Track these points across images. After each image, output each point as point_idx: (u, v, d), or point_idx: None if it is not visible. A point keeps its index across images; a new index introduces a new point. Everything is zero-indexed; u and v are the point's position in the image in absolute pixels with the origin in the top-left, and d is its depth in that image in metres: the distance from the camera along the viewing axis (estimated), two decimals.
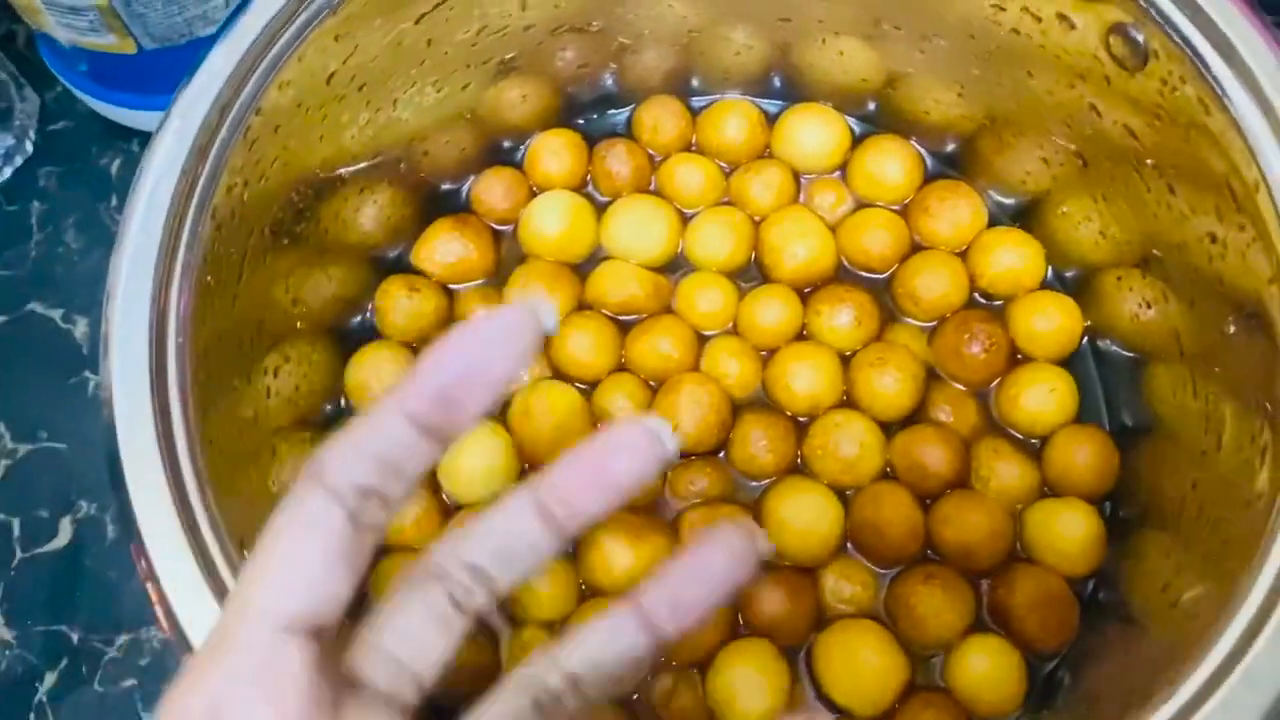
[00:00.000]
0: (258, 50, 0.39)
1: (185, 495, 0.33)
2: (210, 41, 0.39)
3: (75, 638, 0.51)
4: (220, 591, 0.32)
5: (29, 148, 0.61)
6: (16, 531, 0.53)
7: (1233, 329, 0.38)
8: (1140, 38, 0.39)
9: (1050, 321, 0.49)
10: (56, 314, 0.57)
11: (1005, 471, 0.47)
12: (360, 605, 0.43)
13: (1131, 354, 0.47)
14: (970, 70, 0.48)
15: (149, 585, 0.32)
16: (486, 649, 0.44)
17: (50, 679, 0.50)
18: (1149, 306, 0.45)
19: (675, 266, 0.52)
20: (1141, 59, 0.39)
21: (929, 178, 0.53)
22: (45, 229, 0.59)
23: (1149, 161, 0.42)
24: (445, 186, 0.53)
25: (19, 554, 0.52)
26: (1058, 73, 0.44)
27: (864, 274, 0.52)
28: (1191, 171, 0.39)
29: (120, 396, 0.33)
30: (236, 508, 0.35)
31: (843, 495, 0.47)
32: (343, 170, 0.45)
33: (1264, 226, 0.35)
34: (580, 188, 0.54)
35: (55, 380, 0.56)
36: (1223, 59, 0.36)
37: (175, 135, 0.37)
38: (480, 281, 0.52)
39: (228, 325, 0.39)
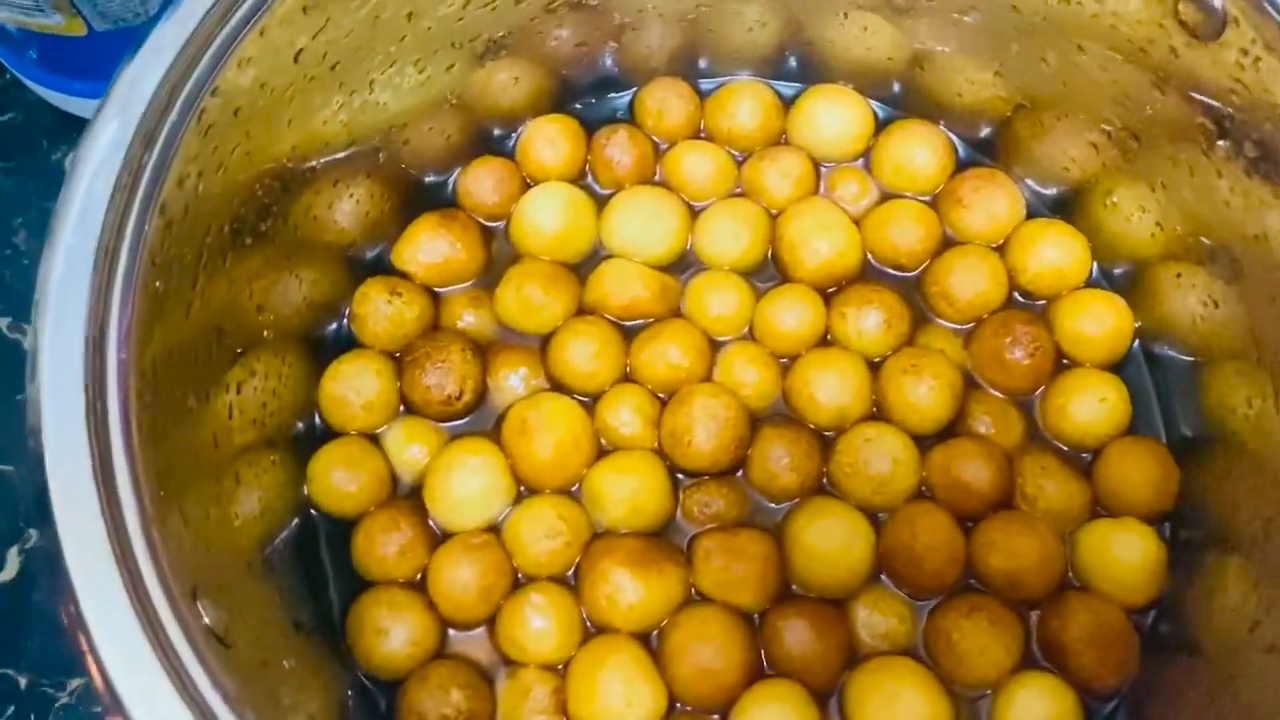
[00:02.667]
0: (213, 23, 0.34)
1: (125, 536, 0.28)
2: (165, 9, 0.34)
3: (23, 682, 0.46)
4: (164, 648, 0.27)
5: None
6: None
7: None
8: (1217, 2, 0.34)
9: (1099, 323, 0.45)
10: (3, 322, 0.53)
11: (1053, 490, 0.42)
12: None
13: (1191, 358, 0.43)
14: (1010, 46, 0.44)
15: (79, 636, 0.27)
16: (483, 695, 0.40)
17: None
18: (1216, 305, 0.40)
19: (684, 265, 0.48)
20: (1218, 26, 0.35)
21: (961, 166, 0.49)
22: None
23: (1222, 144, 0.37)
24: (429, 179, 0.49)
25: None
26: (1115, 46, 0.39)
27: (892, 272, 0.48)
28: (1275, 155, 0.35)
29: (50, 421, 0.29)
30: (188, 547, 0.30)
31: (874, 518, 0.43)
32: (314, 161, 0.41)
33: None
34: (578, 179, 0.50)
35: (1, 396, 0.51)
36: None
37: (117, 119, 0.32)
38: (468, 284, 0.48)
39: (181, 337, 0.34)
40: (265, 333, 0.40)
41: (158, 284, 0.32)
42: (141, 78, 0.33)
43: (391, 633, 0.40)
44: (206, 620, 0.29)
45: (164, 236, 0.33)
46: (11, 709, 0.46)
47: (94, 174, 0.32)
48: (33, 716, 0.46)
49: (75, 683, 0.46)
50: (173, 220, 0.33)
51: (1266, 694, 0.32)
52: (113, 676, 0.27)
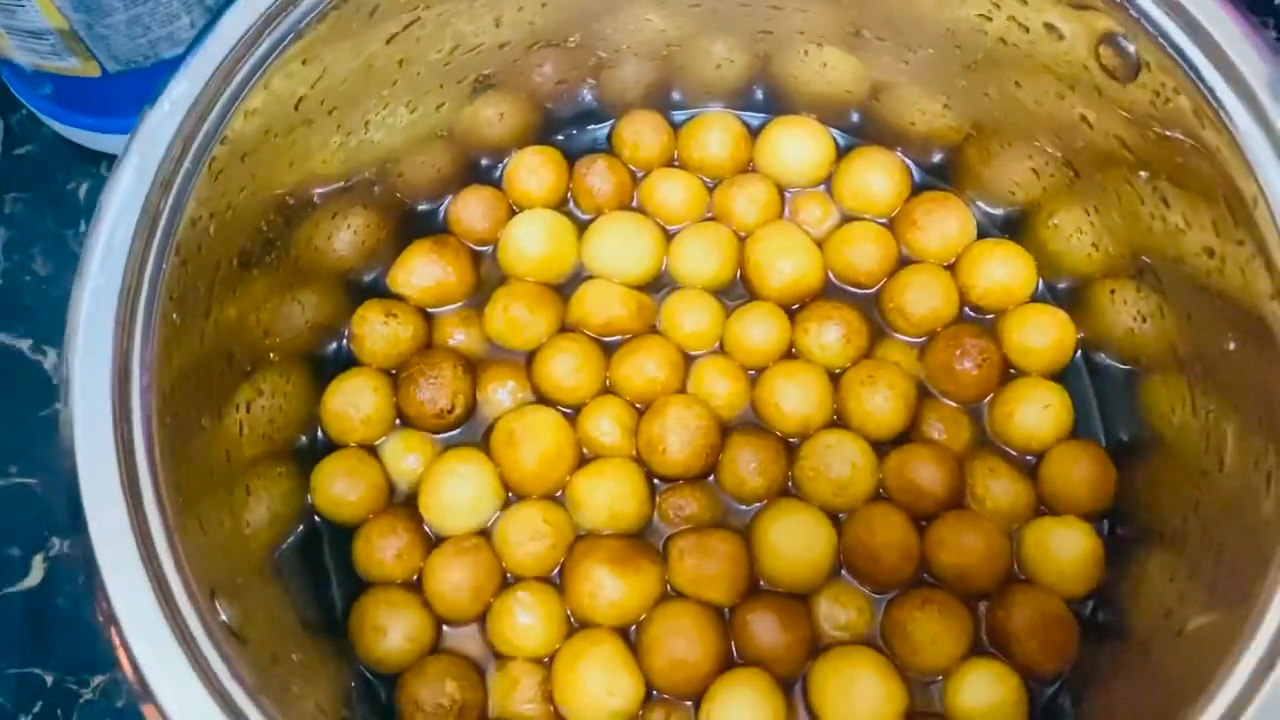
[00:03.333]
0: (221, 78, 0.37)
1: (150, 542, 0.32)
2: (176, 64, 0.37)
3: (49, 680, 0.49)
4: (188, 642, 0.30)
5: None
6: None
7: (1233, 345, 0.37)
8: (1131, 48, 0.38)
9: (1043, 335, 0.48)
10: (25, 344, 0.56)
11: (1000, 490, 0.46)
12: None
13: (1127, 367, 0.46)
14: (956, 81, 0.47)
15: (111, 630, 0.31)
16: (476, 686, 0.43)
17: None
18: (1144, 320, 0.44)
19: (659, 285, 0.51)
20: (1133, 70, 0.38)
21: (916, 189, 0.52)
22: (12, 257, 0.58)
23: (1142, 173, 0.41)
24: (422, 207, 0.52)
25: None
26: (1046, 83, 0.42)
27: (852, 289, 0.51)
28: (1187, 184, 0.38)
29: (82, 439, 0.32)
30: (206, 552, 0.34)
31: (835, 518, 0.46)
32: (314, 196, 0.44)
33: (1263, 242, 0.34)
34: (561, 205, 0.53)
35: (25, 412, 0.54)
36: (1217, 70, 0.35)
37: (136, 170, 0.36)
38: (459, 304, 0.51)
39: (195, 362, 0.37)
40: (271, 354, 0.43)
41: (175, 316, 0.36)
42: (158, 130, 0.36)
43: (390, 630, 0.43)
44: (224, 617, 0.32)
45: (179, 274, 0.36)
46: (39, 705, 0.49)
47: (115, 220, 0.35)
48: (59, 712, 0.49)
49: (98, 679, 0.49)
50: (187, 258, 0.36)
51: (1178, 673, 0.35)
52: (143, 667, 0.30)
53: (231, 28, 0.37)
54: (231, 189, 0.38)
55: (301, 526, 0.45)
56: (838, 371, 0.48)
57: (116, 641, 0.30)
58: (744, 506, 0.47)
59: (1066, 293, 0.49)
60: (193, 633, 0.31)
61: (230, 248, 0.39)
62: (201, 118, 0.37)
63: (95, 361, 0.33)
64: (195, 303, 0.37)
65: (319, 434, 0.48)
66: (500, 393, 0.49)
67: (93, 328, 0.34)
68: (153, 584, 0.31)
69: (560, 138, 0.54)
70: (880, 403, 0.46)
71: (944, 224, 0.50)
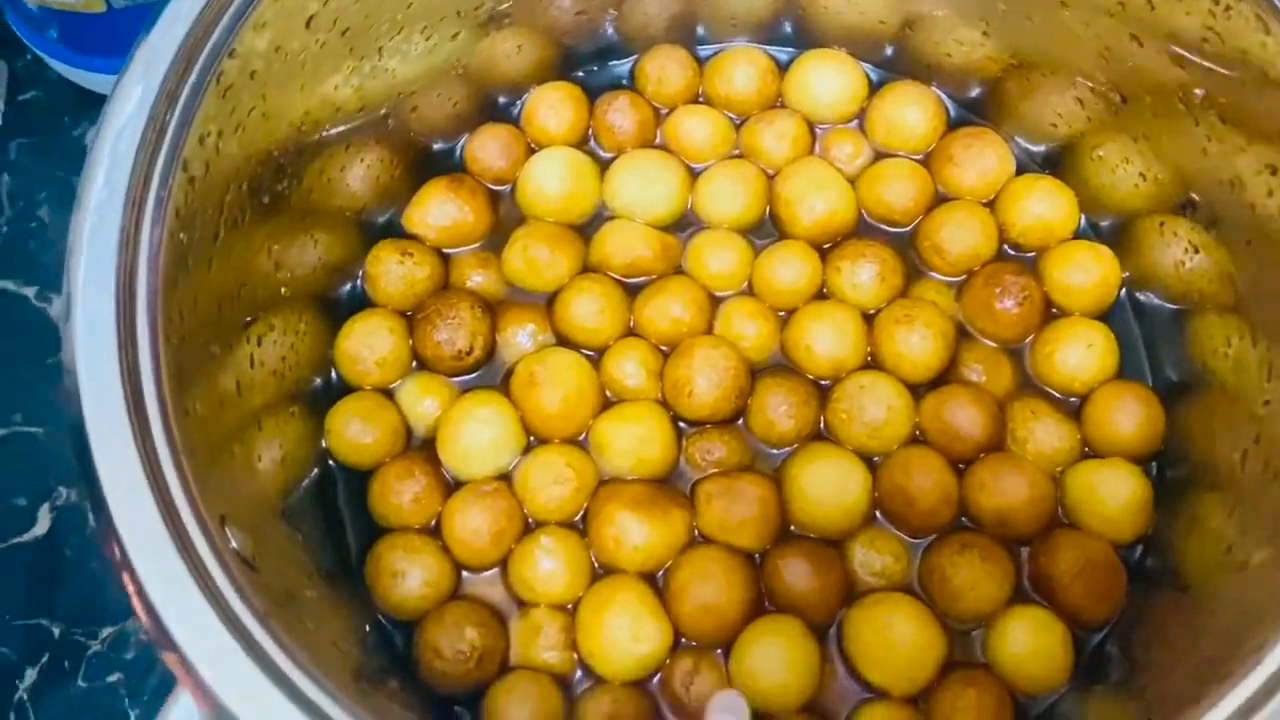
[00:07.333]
0: None
1: (158, 467, 0.30)
2: None
3: (56, 632, 0.48)
4: (196, 566, 0.28)
5: None
6: None
7: None
8: None
9: (1086, 273, 0.46)
10: (30, 292, 0.55)
11: (1043, 432, 0.44)
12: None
13: (1175, 306, 0.44)
14: (997, 5, 0.45)
15: (124, 575, 0.29)
16: (497, 633, 0.41)
17: (31, 675, 0.47)
18: (1196, 251, 0.42)
19: (684, 225, 0.49)
20: None
21: (951, 126, 0.50)
22: (16, 204, 0.56)
23: (1198, 91, 0.39)
24: (437, 146, 0.51)
25: None
26: (1094, 1, 0.40)
27: (886, 228, 0.49)
28: (1245, 99, 0.36)
29: (84, 359, 0.30)
30: (215, 483, 0.32)
31: (869, 463, 0.44)
32: (327, 125, 0.42)
33: None
34: (581, 144, 0.51)
35: (30, 362, 0.52)
36: None
37: (140, 81, 0.34)
38: (476, 245, 0.49)
39: (204, 288, 0.36)
40: (283, 289, 0.42)
41: (182, 236, 0.34)
42: (162, 41, 0.35)
43: (408, 574, 0.42)
44: (235, 545, 0.31)
45: (187, 190, 0.34)
46: (46, 657, 0.47)
47: (119, 132, 0.33)
48: (66, 664, 0.47)
49: (107, 631, 0.48)
50: (195, 176, 0.35)
51: (1236, 613, 0.33)
52: (155, 601, 0.28)
53: None
54: (241, 107, 0.37)
55: (316, 470, 0.44)
56: (872, 312, 0.46)
57: (116, 555, 0.28)
58: (774, 451, 0.45)
59: (1111, 230, 0.47)
60: (201, 557, 0.29)
61: (241, 171, 0.38)
62: (209, 28, 0.35)
63: (98, 276, 0.31)
64: (204, 224, 0.36)
65: (334, 377, 0.46)
66: (520, 336, 0.47)
67: (96, 241, 0.32)
68: (159, 505, 0.29)
69: (581, 74, 0.53)
70: (917, 342, 0.44)
71: (982, 159, 0.48)
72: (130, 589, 0.29)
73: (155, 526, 0.29)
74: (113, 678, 0.47)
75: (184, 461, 0.30)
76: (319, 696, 0.28)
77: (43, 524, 0.50)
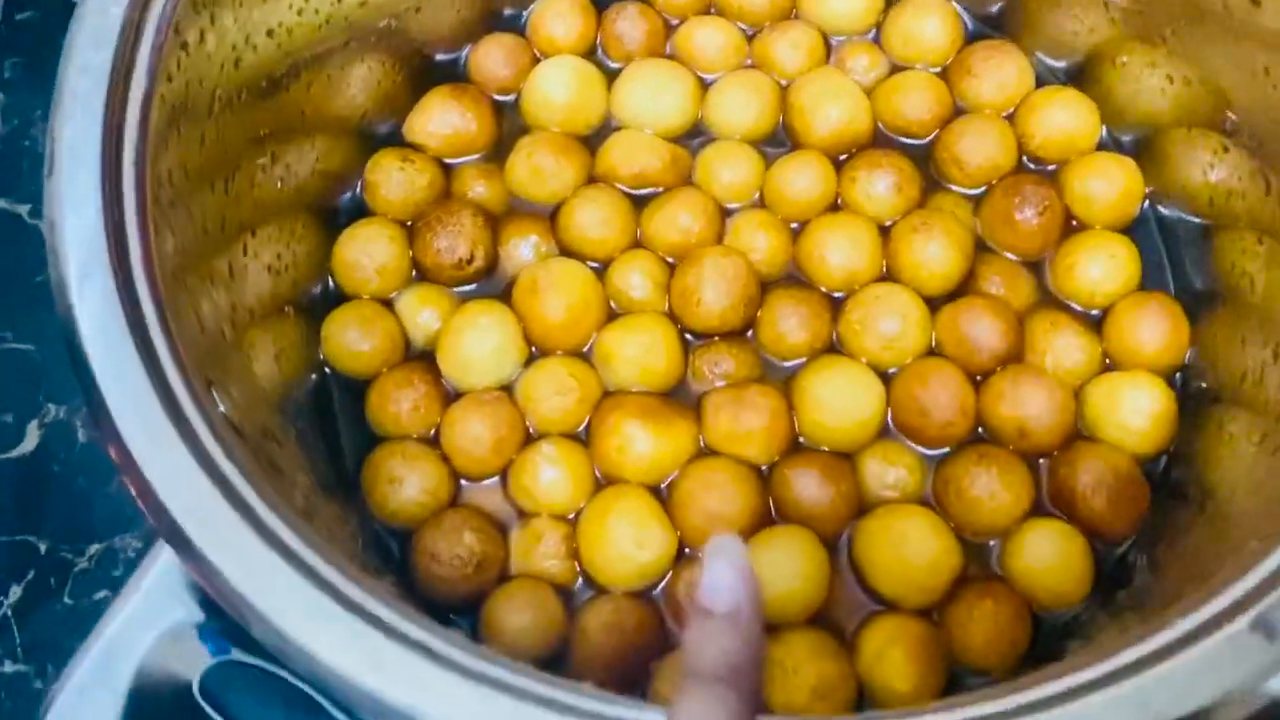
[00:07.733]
0: None
1: (144, 327, 0.28)
2: None
3: (43, 548, 0.47)
4: (180, 424, 0.27)
5: None
6: None
7: None
8: None
9: (1109, 182, 0.44)
10: (23, 209, 0.54)
11: (1063, 345, 0.42)
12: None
13: (1200, 219, 0.43)
14: None
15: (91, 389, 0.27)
16: (496, 540, 0.40)
17: (16, 592, 0.46)
18: (1226, 151, 0.40)
19: (694, 135, 0.48)
20: None
21: (969, 41, 0.49)
22: (10, 122, 0.55)
23: None
24: (440, 57, 0.49)
25: None
26: None
27: (903, 139, 0.47)
28: None
29: (68, 212, 0.29)
30: (203, 346, 0.30)
31: (883, 377, 0.42)
32: (329, 16, 0.41)
33: None
34: (589, 55, 0.49)
35: (20, 279, 0.51)
36: None
37: None
38: (478, 156, 0.48)
39: (197, 162, 0.34)
40: (279, 183, 0.40)
41: (173, 101, 0.33)
42: None
43: (405, 481, 0.40)
44: (222, 409, 0.29)
45: (178, 56, 0.33)
46: (32, 574, 0.46)
47: None
48: (52, 580, 0.46)
49: (94, 547, 0.46)
50: (188, 42, 0.33)
51: (1263, 518, 0.31)
52: (126, 438, 0.27)
53: None
54: None
55: (313, 377, 0.43)
56: (887, 224, 0.45)
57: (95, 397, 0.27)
58: (785, 364, 0.43)
59: (1133, 144, 0.46)
60: (187, 415, 0.28)
61: (236, 47, 0.36)
62: None
63: (83, 133, 0.30)
64: (196, 96, 0.34)
65: (331, 286, 0.45)
66: (523, 247, 0.45)
67: (82, 100, 0.31)
68: (142, 360, 0.27)
69: None
70: (934, 252, 0.43)
71: (1001, 71, 0.47)
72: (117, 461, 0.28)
73: (139, 384, 0.27)
74: (100, 594, 0.46)
75: (170, 322, 0.29)
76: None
77: (30, 440, 0.49)
